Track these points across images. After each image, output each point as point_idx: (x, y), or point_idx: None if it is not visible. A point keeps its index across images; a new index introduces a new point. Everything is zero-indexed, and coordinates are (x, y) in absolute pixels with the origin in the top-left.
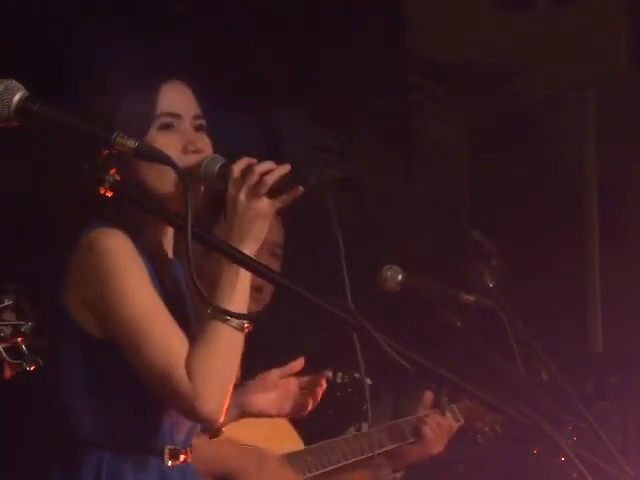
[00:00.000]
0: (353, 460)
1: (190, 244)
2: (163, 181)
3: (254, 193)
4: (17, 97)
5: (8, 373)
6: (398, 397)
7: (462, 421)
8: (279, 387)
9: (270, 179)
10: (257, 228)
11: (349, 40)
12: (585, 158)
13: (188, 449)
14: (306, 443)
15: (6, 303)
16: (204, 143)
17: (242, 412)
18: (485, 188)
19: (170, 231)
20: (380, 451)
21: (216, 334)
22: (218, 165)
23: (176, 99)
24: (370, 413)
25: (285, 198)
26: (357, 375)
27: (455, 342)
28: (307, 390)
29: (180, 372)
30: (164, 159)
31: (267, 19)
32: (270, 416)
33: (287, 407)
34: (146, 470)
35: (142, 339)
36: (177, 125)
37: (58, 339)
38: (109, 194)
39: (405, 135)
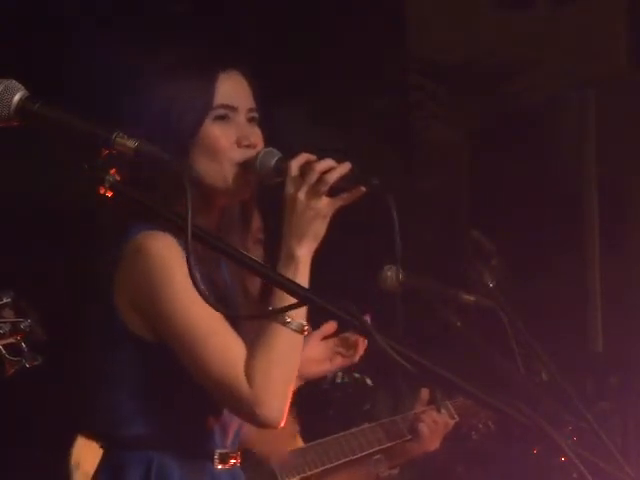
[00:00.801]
0: (352, 458)
1: (190, 244)
2: (221, 175)
3: (314, 192)
4: (17, 97)
5: (8, 370)
6: (398, 397)
7: (457, 418)
8: (323, 346)
9: (331, 178)
10: (316, 227)
11: (349, 40)
12: (585, 158)
13: (238, 453)
14: (306, 443)
15: (5, 301)
16: (257, 137)
17: (299, 377)
18: (485, 188)
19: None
20: (378, 448)
21: (275, 337)
22: (274, 159)
23: (233, 90)
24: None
25: (346, 197)
26: (357, 375)
27: (455, 342)
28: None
29: (240, 378)
30: (164, 159)
31: (267, 19)
32: (328, 372)
33: (338, 360)
34: (196, 473)
35: (198, 346)
36: (232, 117)
37: (107, 339)
38: (109, 194)
39: (405, 135)
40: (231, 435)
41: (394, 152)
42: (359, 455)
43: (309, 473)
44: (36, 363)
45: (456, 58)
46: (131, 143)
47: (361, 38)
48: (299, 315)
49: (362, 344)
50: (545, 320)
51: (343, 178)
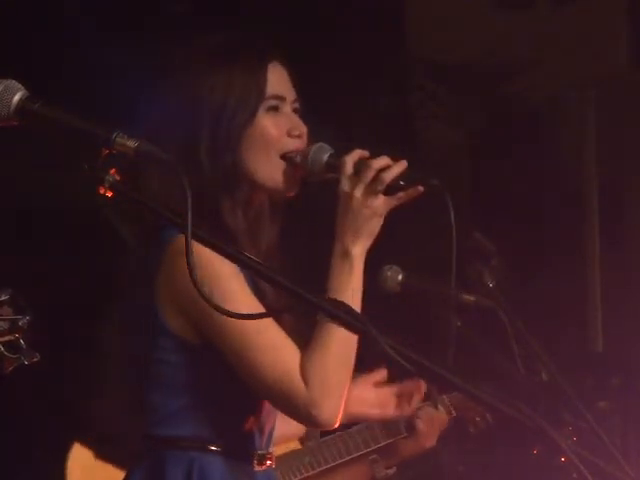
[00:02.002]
0: (349, 458)
1: (190, 244)
2: (269, 168)
3: (370, 190)
4: (17, 97)
5: (6, 368)
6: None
7: (454, 413)
8: (375, 391)
9: (388, 177)
10: (372, 225)
11: (349, 40)
12: (585, 158)
13: (272, 453)
14: (303, 444)
15: (2, 298)
16: (304, 127)
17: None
18: (485, 188)
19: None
20: (375, 447)
21: (330, 338)
22: (327, 155)
23: (281, 80)
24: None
25: (402, 196)
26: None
27: (455, 342)
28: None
29: (297, 380)
30: (164, 159)
31: (267, 19)
32: (378, 418)
33: (390, 409)
34: (236, 474)
35: (250, 347)
36: (281, 107)
37: (148, 340)
38: (109, 194)
39: (405, 135)
40: (266, 436)
41: (394, 152)
42: (356, 455)
43: (306, 475)
44: (35, 360)
45: (456, 58)
46: (131, 143)
47: (361, 38)
48: None
49: (417, 396)
50: (545, 320)
51: (401, 176)
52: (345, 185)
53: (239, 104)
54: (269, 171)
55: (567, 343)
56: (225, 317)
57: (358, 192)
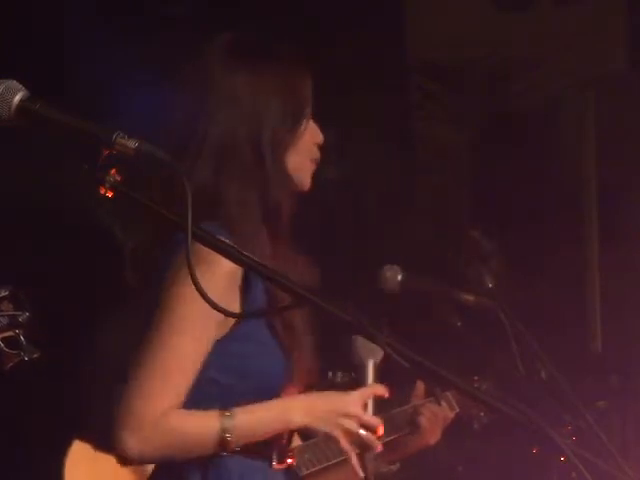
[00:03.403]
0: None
1: (190, 244)
2: (306, 172)
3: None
4: (18, 97)
5: (6, 364)
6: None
7: (457, 409)
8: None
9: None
10: (324, 424)
11: (349, 40)
12: (585, 158)
13: (292, 452)
14: (303, 441)
15: (3, 294)
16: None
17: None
18: (485, 188)
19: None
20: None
21: (199, 425)
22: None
23: (310, 89)
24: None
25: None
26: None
27: (455, 342)
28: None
29: (151, 410)
30: (164, 159)
31: (267, 19)
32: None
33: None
34: (254, 473)
35: (156, 354)
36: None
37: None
38: (109, 194)
39: (405, 135)
40: (286, 435)
41: (394, 152)
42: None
43: (306, 472)
44: (35, 356)
45: (456, 58)
46: (131, 143)
47: (361, 38)
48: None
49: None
50: (545, 320)
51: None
52: (351, 404)
53: (295, 113)
54: (303, 174)
55: (567, 343)
56: (167, 315)
57: (348, 423)
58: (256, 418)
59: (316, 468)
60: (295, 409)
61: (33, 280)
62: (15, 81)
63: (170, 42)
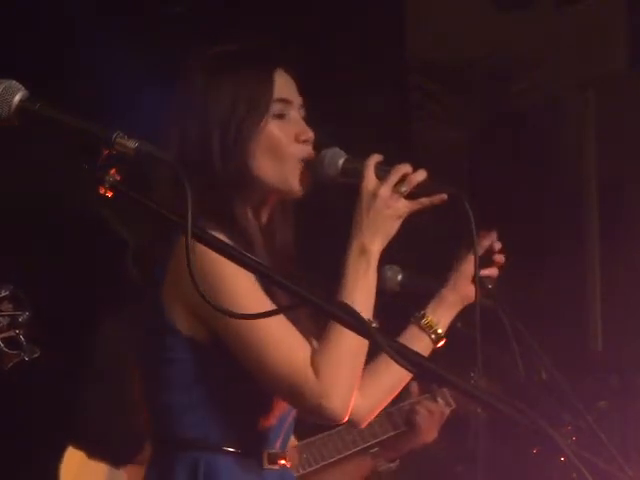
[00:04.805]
0: (347, 453)
1: (190, 244)
2: (283, 172)
3: (395, 190)
4: (17, 97)
5: (6, 364)
6: None
7: (453, 405)
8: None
9: (415, 179)
10: (390, 226)
11: (349, 40)
12: (585, 158)
13: (286, 453)
14: (300, 441)
15: (3, 294)
16: (311, 133)
17: None
18: (485, 188)
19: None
20: (373, 442)
21: (341, 333)
22: (342, 159)
23: (286, 86)
24: None
25: (424, 201)
26: None
27: (455, 342)
28: None
29: (306, 373)
30: (164, 159)
31: (267, 19)
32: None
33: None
34: (244, 474)
35: (259, 344)
36: (288, 113)
37: (155, 339)
38: (109, 194)
39: (405, 135)
40: (282, 436)
41: (394, 152)
42: (354, 450)
43: (303, 472)
44: (35, 356)
45: (456, 58)
46: (131, 143)
47: (361, 38)
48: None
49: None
50: (545, 320)
51: (425, 182)
52: (370, 184)
53: (247, 109)
54: (280, 175)
55: (567, 343)
56: (233, 303)
57: (384, 191)
58: (364, 287)
59: (313, 467)
60: (364, 247)
61: (33, 280)
62: (15, 81)
63: (170, 42)
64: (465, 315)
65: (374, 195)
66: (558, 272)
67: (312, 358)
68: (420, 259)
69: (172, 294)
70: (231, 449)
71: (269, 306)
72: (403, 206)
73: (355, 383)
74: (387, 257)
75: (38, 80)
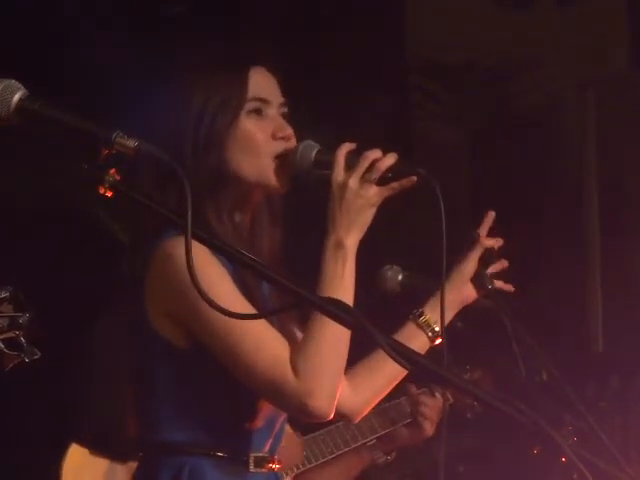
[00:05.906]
0: (346, 450)
1: (190, 244)
2: (258, 169)
3: (365, 179)
4: (17, 96)
5: (6, 365)
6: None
7: (451, 400)
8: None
9: (383, 165)
10: (365, 216)
11: (349, 40)
12: (585, 158)
13: (275, 457)
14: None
15: (3, 295)
16: (289, 129)
17: None
18: (485, 188)
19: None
20: (372, 438)
21: (323, 329)
22: (314, 151)
23: (264, 84)
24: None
25: (395, 186)
26: None
27: (455, 342)
28: None
29: (288, 372)
30: (164, 159)
31: (267, 19)
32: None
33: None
34: (227, 477)
35: (239, 343)
36: (265, 110)
37: (140, 343)
38: (109, 194)
39: (405, 135)
40: (271, 438)
41: (394, 152)
42: (353, 446)
43: (303, 469)
44: (35, 357)
45: (456, 58)
46: (131, 143)
47: (361, 38)
48: None
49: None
50: (545, 320)
51: (395, 166)
52: (339, 175)
53: (220, 107)
54: (257, 172)
55: (567, 343)
56: (212, 317)
57: (352, 182)
58: (342, 283)
59: (313, 464)
60: (340, 241)
61: (33, 280)
62: (14, 80)
63: (170, 42)
64: (465, 315)
65: (344, 186)
66: (558, 273)
67: (293, 357)
68: (420, 259)
69: (153, 298)
70: (217, 453)
71: (250, 309)
72: (374, 194)
73: (339, 378)
74: (387, 258)
75: (38, 80)
